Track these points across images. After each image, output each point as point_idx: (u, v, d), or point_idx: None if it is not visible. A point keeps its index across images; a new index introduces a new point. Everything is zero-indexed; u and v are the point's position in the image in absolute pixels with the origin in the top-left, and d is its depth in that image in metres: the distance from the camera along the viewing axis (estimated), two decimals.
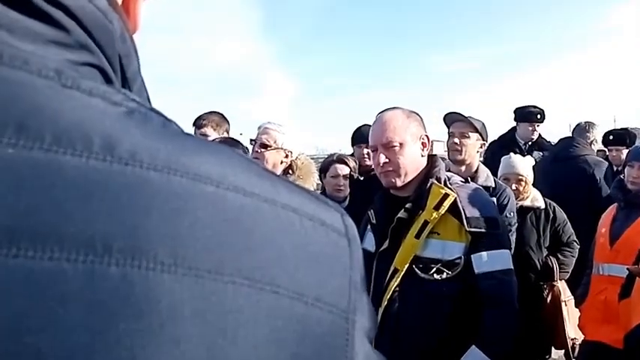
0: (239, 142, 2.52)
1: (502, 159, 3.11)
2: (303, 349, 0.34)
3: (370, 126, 3.38)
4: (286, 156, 2.65)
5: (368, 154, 3.30)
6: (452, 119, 2.80)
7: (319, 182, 3.28)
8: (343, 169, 3.09)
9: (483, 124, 2.84)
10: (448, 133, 2.82)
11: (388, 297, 1.69)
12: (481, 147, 2.83)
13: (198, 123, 3.20)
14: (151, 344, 0.28)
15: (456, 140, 2.70)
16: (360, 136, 3.56)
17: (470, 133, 2.71)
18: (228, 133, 3.28)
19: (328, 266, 0.37)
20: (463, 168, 2.67)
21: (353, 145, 3.70)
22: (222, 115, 3.34)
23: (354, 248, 0.40)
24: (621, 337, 2.05)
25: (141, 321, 0.28)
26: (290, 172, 2.69)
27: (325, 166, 3.16)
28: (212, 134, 3.18)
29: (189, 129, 3.16)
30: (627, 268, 2.08)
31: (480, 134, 2.76)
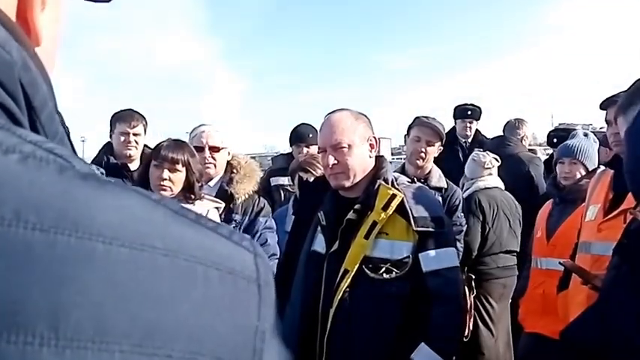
0: (186, 143, 2.45)
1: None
2: None
3: (307, 125, 3.38)
4: (228, 154, 2.64)
5: (306, 153, 3.31)
6: (421, 124, 2.85)
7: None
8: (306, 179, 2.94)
9: (444, 127, 2.94)
10: (412, 135, 2.88)
11: (339, 298, 1.70)
12: (438, 151, 2.92)
13: (131, 123, 3.04)
14: None
15: (422, 148, 2.78)
16: (298, 136, 3.57)
17: (435, 142, 2.78)
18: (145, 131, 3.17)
19: (231, 320, 0.35)
20: (418, 171, 2.73)
21: (291, 144, 3.67)
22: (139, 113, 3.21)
23: (264, 294, 0.38)
24: (559, 329, 2.14)
25: None
26: (234, 171, 2.66)
27: (292, 173, 3.00)
28: (143, 135, 3.08)
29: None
30: (560, 263, 2.17)
31: (442, 140, 2.84)
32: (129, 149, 3.02)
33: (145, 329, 0.30)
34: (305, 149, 3.42)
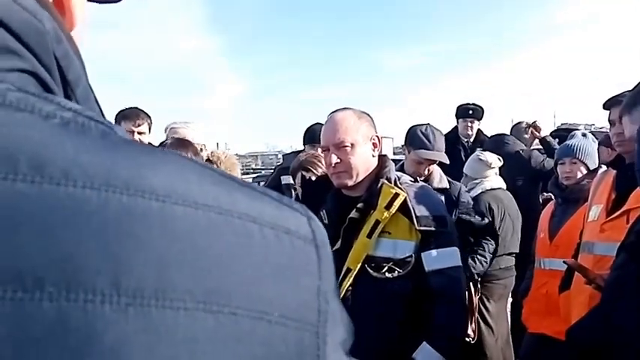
0: (192, 143, 2.45)
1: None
2: None
3: (322, 125, 3.35)
4: (200, 150, 2.64)
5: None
6: (423, 148, 2.72)
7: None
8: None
9: (443, 136, 2.89)
10: (413, 157, 2.74)
11: (341, 296, 1.68)
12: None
13: (136, 121, 3.03)
14: None
15: (426, 171, 2.72)
16: (311, 136, 3.54)
17: (437, 160, 2.74)
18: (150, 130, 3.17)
19: (293, 279, 0.35)
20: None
21: (305, 144, 3.67)
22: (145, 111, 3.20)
23: (322, 255, 0.37)
24: (562, 329, 2.14)
25: None
26: (215, 166, 2.65)
27: (293, 172, 2.96)
28: (147, 133, 3.08)
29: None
30: (564, 262, 2.16)
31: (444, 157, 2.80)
32: None
33: (208, 286, 0.30)
34: (319, 149, 3.42)
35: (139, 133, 3.03)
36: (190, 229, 0.30)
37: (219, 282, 0.30)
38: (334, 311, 0.37)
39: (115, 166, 0.29)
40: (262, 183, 4.08)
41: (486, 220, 2.99)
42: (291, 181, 3.59)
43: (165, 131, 2.73)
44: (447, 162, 2.80)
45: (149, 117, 3.13)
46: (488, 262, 3.02)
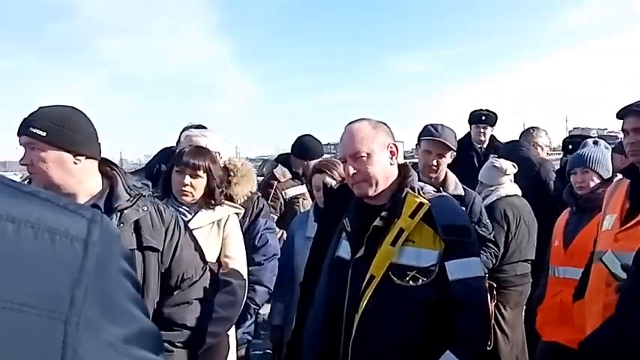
0: (209, 151, 2.47)
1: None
2: (3, 354, 0.36)
3: (310, 137, 3.46)
4: (219, 156, 2.65)
5: (307, 165, 3.38)
6: (430, 137, 2.82)
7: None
8: (322, 179, 2.66)
9: (455, 134, 2.92)
10: (422, 148, 2.86)
11: (365, 303, 1.71)
12: (451, 157, 2.90)
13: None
14: None
15: (434, 161, 2.77)
16: (301, 150, 3.69)
17: (447, 153, 2.79)
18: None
19: (44, 272, 0.39)
20: (432, 179, 2.74)
21: (293, 154, 3.78)
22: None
23: (91, 252, 0.42)
24: (577, 338, 2.15)
25: None
26: (231, 174, 2.68)
27: (309, 178, 2.90)
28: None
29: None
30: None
31: (453, 149, 2.84)
32: None
33: None
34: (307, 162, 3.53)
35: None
36: None
37: None
38: (107, 307, 0.42)
39: None
40: None
41: (492, 234, 3.01)
42: (296, 193, 3.65)
43: (180, 137, 2.75)
44: (454, 149, 2.84)
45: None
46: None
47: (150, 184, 1.96)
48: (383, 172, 1.82)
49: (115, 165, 1.90)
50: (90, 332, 0.40)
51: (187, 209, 2.35)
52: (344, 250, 1.85)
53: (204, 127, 3.06)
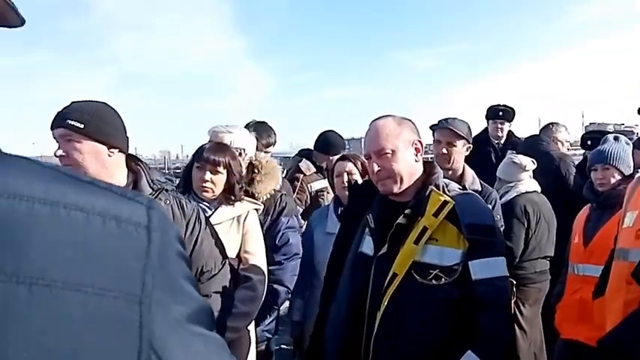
0: (229, 147, 2.48)
1: None
2: (88, 335, 0.39)
3: (333, 132, 3.46)
4: (239, 154, 2.62)
5: (330, 160, 3.38)
6: (440, 126, 2.86)
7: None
8: (345, 166, 2.77)
9: (469, 126, 2.90)
10: (434, 139, 2.89)
11: (387, 300, 1.71)
12: (467, 150, 2.88)
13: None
14: None
15: (444, 150, 2.77)
16: (324, 146, 3.69)
17: (457, 141, 2.77)
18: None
19: (115, 257, 0.42)
20: (450, 172, 2.72)
21: (316, 150, 3.81)
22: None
23: (154, 237, 0.44)
24: (596, 336, 2.14)
25: None
26: (255, 170, 2.68)
27: (331, 169, 2.96)
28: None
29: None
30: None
31: (466, 139, 2.82)
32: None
33: (19, 262, 0.37)
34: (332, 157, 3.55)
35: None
36: (6, 218, 0.38)
37: (33, 259, 0.37)
38: (172, 288, 0.44)
39: None
40: None
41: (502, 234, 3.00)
42: (320, 187, 3.66)
43: (209, 134, 2.74)
44: (466, 139, 2.84)
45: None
46: None
47: (173, 179, 1.98)
48: (407, 169, 1.82)
49: (140, 160, 1.94)
50: (161, 312, 0.43)
51: (207, 205, 2.36)
52: (367, 247, 1.85)
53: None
